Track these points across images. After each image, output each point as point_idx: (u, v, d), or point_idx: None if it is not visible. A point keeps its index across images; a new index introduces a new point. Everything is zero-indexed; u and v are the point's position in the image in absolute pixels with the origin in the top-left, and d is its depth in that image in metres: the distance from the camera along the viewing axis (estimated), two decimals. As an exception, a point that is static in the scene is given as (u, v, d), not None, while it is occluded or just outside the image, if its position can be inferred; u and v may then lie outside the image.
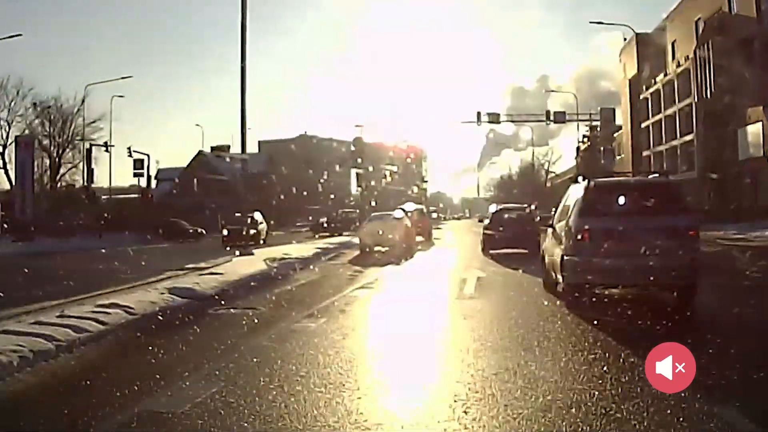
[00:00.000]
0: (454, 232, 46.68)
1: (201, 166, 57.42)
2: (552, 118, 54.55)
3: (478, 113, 53.01)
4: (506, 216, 20.85)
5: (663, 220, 8.61)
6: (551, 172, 78.05)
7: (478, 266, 15.85)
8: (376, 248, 21.49)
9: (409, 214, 25.98)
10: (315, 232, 40.25)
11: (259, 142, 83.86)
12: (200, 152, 60.77)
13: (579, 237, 8.62)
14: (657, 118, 52.35)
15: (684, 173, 44.34)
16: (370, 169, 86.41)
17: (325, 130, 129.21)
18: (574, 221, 8.81)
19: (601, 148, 56.24)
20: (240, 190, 61.70)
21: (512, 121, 55.11)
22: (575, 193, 9.50)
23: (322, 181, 68.89)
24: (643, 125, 55.04)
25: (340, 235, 37.18)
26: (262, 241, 30.28)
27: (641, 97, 55.12)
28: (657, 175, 10.76)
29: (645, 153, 55.05)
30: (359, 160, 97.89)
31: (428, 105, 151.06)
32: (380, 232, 21.65)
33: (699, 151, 44.43)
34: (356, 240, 23.73)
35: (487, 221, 21.85)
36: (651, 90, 53.27)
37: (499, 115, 54.61)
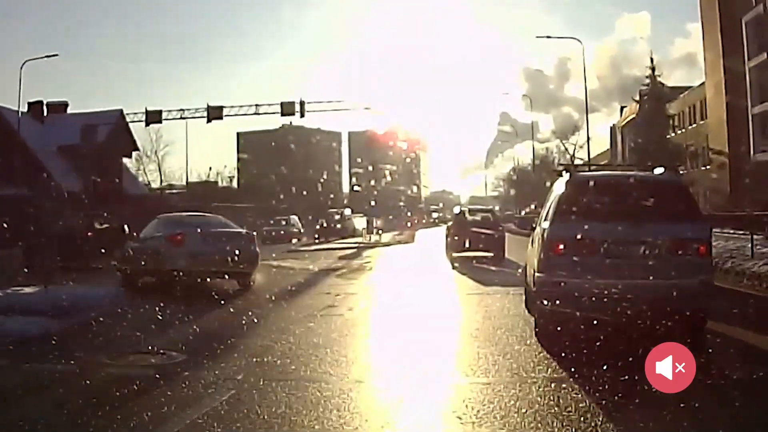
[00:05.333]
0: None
1: None
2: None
3: None
4: (470, 218, 21.21)
5: (665, 229, 6.83)
6: (578, 158, 59.37)
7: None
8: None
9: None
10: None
11: (237, 133, 77.76)
12: None
13: (552, 249, 6.91)
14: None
15: None
16: (370, 168, 71.34)
17: (316, 119, 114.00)
18: (548, 228, 7.14)
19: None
20: (56, 172, 34.26)
21: None
22: (556, 190, 7.77)
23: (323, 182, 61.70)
24: (750, 66, 35.10)
25: None
26: None
27: (743, 21, 35.26)
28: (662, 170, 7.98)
29: (756, 110, 35.21)
30: (359, 160, 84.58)
31: (437, 92, 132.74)
32: None
33: None
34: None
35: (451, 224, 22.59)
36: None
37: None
